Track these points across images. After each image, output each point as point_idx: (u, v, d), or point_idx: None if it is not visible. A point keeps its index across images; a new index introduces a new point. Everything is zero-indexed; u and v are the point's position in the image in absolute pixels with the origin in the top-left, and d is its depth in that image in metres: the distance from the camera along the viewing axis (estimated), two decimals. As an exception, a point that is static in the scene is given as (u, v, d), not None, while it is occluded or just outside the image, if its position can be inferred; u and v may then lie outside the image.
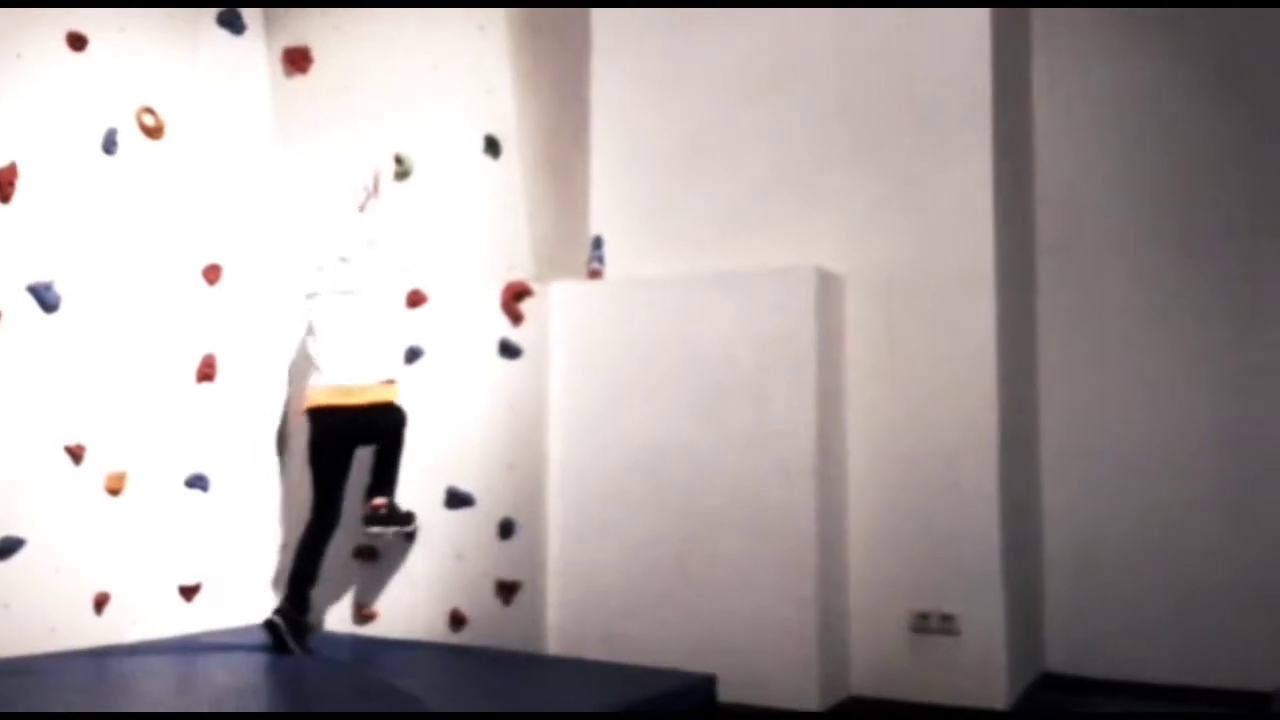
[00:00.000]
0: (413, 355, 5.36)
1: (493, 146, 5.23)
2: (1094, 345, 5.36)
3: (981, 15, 4.84)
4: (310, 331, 5.16)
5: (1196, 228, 5.23)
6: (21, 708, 3.67)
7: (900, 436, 4.85)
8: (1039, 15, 5.43)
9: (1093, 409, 5.35)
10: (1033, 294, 5.45)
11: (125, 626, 4.92)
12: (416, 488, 5.27)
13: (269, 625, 4.90)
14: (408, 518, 5.22)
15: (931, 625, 4.71)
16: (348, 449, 5.10)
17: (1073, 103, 5.41)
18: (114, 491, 4.90)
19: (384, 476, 5.17)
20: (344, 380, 5.02)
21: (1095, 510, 5.31)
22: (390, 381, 5.16)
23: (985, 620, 4.63)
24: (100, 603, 4.84)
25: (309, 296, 5.17)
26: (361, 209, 5.34)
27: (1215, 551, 5.10)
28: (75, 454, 4.76)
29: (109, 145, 4.93)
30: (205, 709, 4.02)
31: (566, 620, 5.08)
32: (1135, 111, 5.30)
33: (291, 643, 4.84)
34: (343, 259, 5.13)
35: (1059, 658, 5.34)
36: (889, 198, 4.93)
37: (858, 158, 5.00)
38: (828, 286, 4.82)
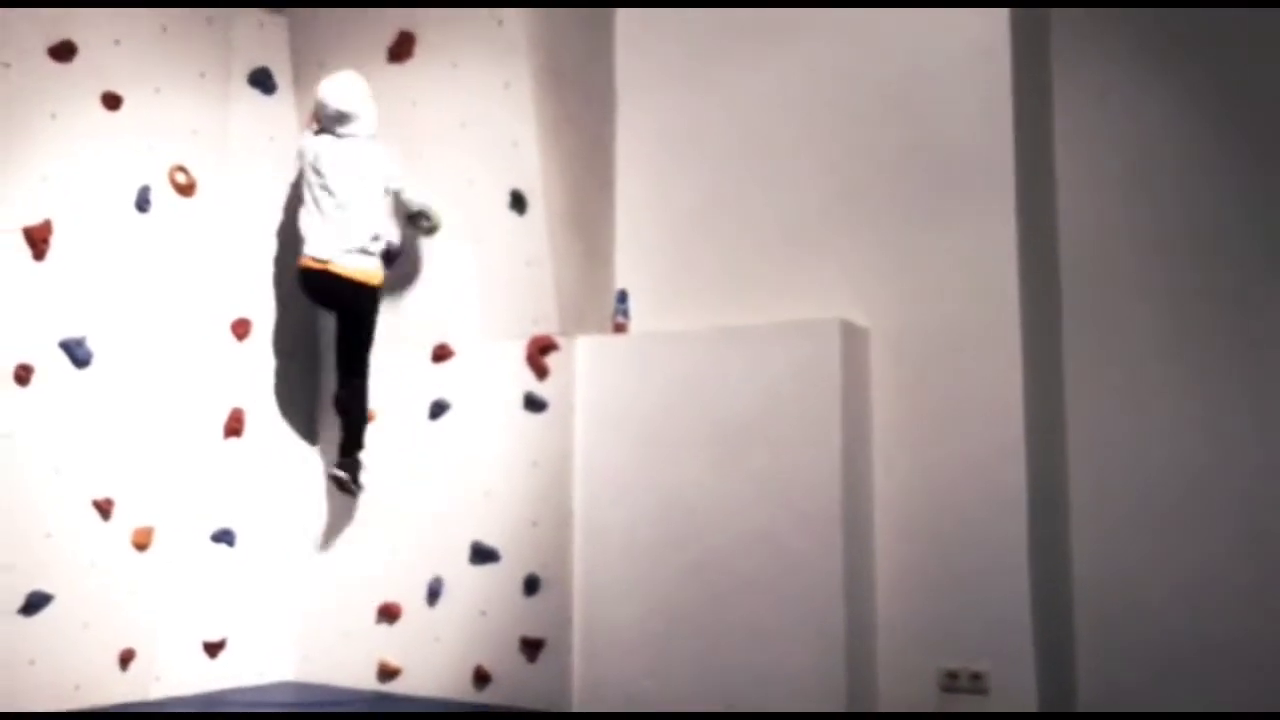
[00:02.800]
0: (438, 409, 5.38)
1: (519, 202, 5.28)
2: (1121, 395, 5.30)
3: (1002, 64, 4.86)
4: (303, 199, 5.28)
5: (1224, 275, 5.17)
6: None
7: (927, 490, 4.81)
8: (1059, 64, 5.42)
9: (1121, 459, 5.28)
10: (1058, 344, 5.41)
11: (149, 683, 4.91)
12: (441, 544, 5.26)
13: (335, 479, 5.32)
14: (354, 491, 5.39)
15: (961, 684, 4.64)
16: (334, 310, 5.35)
17: (1095, 150, 5.38)
18: (141, 546, 4.92)
19: (345, 382, 5.34)
20: (325, 254, 5.16)
21: (1126, 560, 5.23)
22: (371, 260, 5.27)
23: (1016, 678, 4.54)
24: (126, 659, 4.84)
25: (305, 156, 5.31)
26: None
27: (1250, 600, 4.99)
28: (103, 509, 4.78)
29: (142, 203, 5.01)
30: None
31: (591, 677, 5.04)
32: (1159, 158, 5.26)
33: (355, 486, 5.32)
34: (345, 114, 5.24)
35: (1091, 708, 5.23)
36: (913, 250, 4.93)
37: (881, 210, 5.01)
38: (852, 339, 4.81)
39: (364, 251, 5.19)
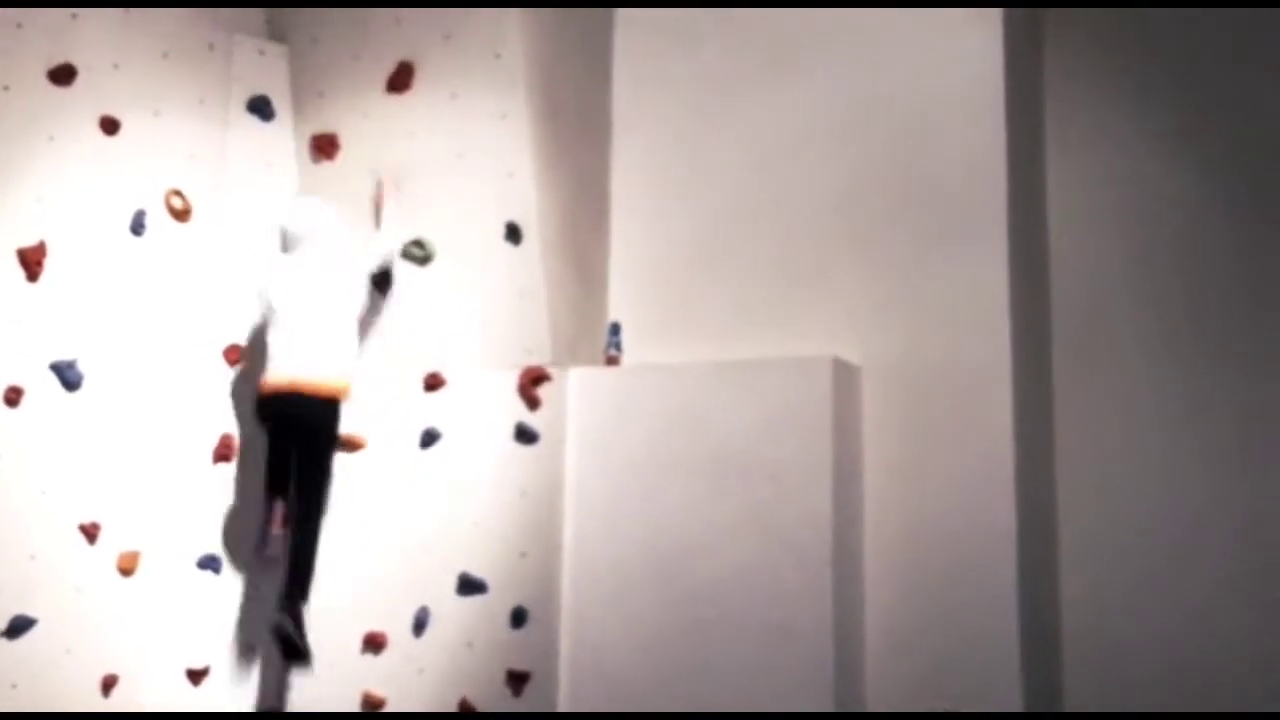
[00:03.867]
0: (429, 439, 5.36)
1: (513, 233, 5.29)
2: (1112, 434, 5.32)
3: (996, 104, 4.91)
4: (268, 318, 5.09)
5: (1215, 312, 5.20)
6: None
7: (917, 526, 4.81)
8: (1052, 104, 5.47)
9: (1112, 498, 5.29)
10: (1049, 383, 5.43)
11: (131, 710, 4.86)
12: (428, 574, 5.23)
13: (281, 636, 4.76)
14: (303, 652, 4.86)
15: (949, 725, 4.62)
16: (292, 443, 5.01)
17: (1087, 190, 5.42)
18: (126, 571, 4.89)
19: (305, 521, 4.94)
20: (290, 372, 4.93)
21: (1116, 600, 5.22)
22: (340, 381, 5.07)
23: (1004, 720, 4.53)
24: (108, 685, 4.80)
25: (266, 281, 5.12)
26: (378, 224, 5.33)
27: (1241, 641, 4.99)
28: (89, 533, 4.76)
29: (137, 227, 5.01)
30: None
31: (578, 711, 5.00)
32: (1150, 199, 5.32)
33: (303, 644, 4.77)
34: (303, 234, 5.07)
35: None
36: (905, 289, 4.96)
37: (876, 247, 5.04)
38: (844, 377, 4.82)
39: (334, 363, 5.03)
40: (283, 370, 4.93)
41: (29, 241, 4.60)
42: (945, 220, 4.93)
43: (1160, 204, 5.32)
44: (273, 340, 5.01)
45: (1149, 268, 5.32)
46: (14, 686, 4.45)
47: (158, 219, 5.11)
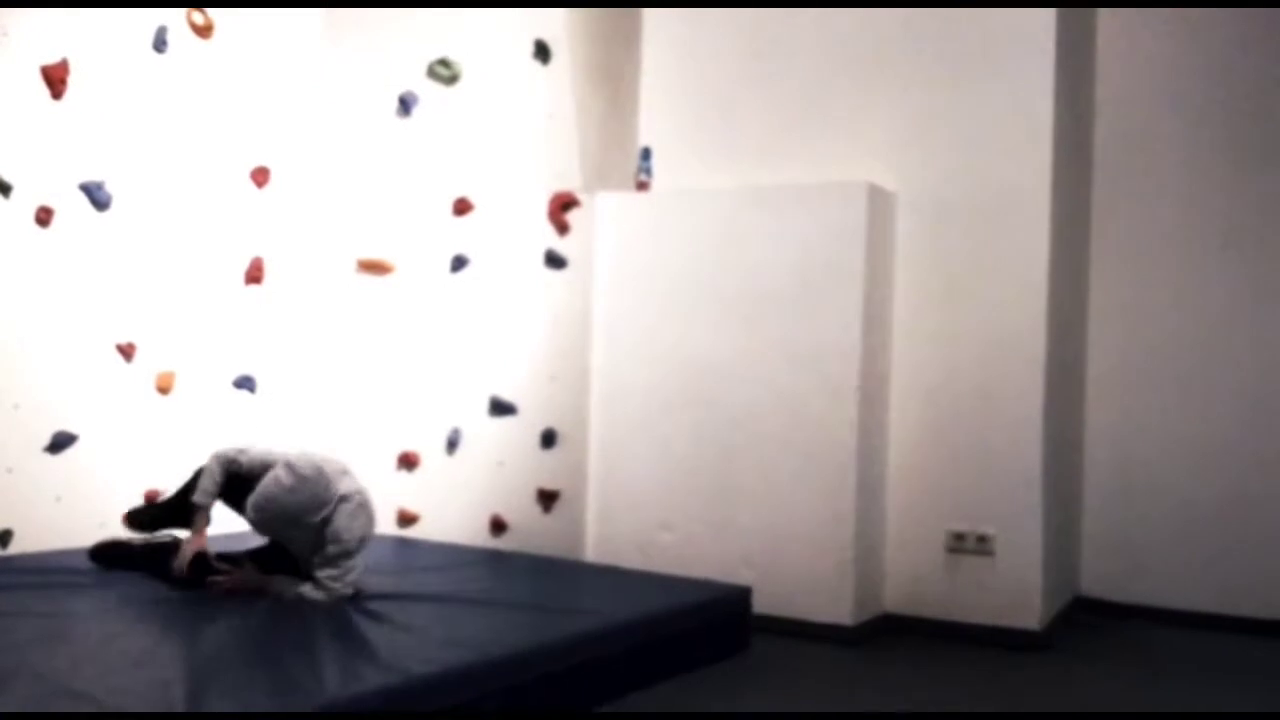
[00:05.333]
0: (459, 263, 5.37)
1: (542, 52, 5.17)
2: (1147, 268, 5.29)
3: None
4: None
5: (1257, 145, 5.12)
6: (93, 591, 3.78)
7: (946, 356, 4.82)
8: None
9: (1142, 333, 5.29)
10: (1087, 214, 5.36)
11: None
12: (460, 396, 5.32)
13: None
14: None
15: (967, 546, 4.73)
16: None
17: (1132, 21, 5.27)
18: (163, 390, 4.98)
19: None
20: None
21: (1139, 435, 5.28)
22: None
23: (1022, 542, 4.64)
24: (151, 499, 4.94)
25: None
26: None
27: (1260, 479, 5.06)
28: (126, 352, 4.82)
29: (159, 44, 4.91)
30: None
31: (605, 530, 5.15)
32: (1195, 25, 5.17)
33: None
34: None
35: (1094, 582, 5.35)
36: (944, 112, 4.84)
37: (913, 72, 4.90)
38: (878, 202, 4.76)
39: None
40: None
41: (52, 59, 4.53)
42: (987, 40, 4.77)
43: (1204, 32, 5.17)
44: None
45: (1194, 96, 5.21)
46: (58, 499, 4.59)
47: (180, 36, 5.00)
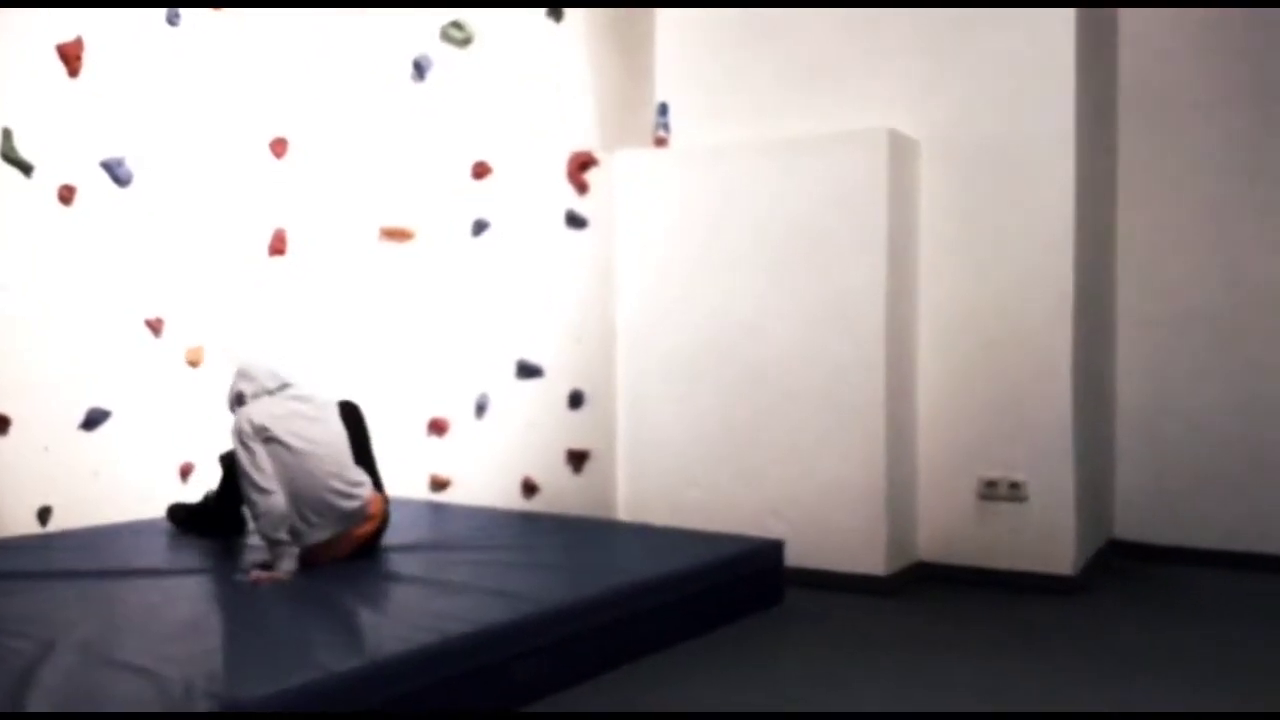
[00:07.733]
0: (479, 227, 5.36)
1: (555, 10, 5.12)
2: (1175, 210, 5.22)
3: None
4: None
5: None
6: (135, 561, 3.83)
7: (973, 303, 4.79)
8: None
9: (1170, 276, 5.24)
10: (1114, 156, 5.29)
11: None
12: (486, 360, 5.33)
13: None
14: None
15: (999, 492, 4.72)
16: None
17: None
18: (194, 364, 5.01)
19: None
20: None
21: (1169, 378, 5.25)
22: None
23: (1054, 487, 4.62)
24: (185, 472, 4.99)
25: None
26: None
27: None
28: (154, 327, 4.85)
29: (172, 17, 4.90)
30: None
31: (636, 488, 5.17)
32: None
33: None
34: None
35: (1129, 525, 5.34)
36: (965, 57, 4.78)
37: (931, 17, 4.84)
38: (901, 149, 4.72)
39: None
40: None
41: (66, 37, 4.53)
42: (1007, -18, 4.70)
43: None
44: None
45: (1218, 32, 5.12)
46: (96, 474, 4.65)
47: (192, 8, 4.98)
